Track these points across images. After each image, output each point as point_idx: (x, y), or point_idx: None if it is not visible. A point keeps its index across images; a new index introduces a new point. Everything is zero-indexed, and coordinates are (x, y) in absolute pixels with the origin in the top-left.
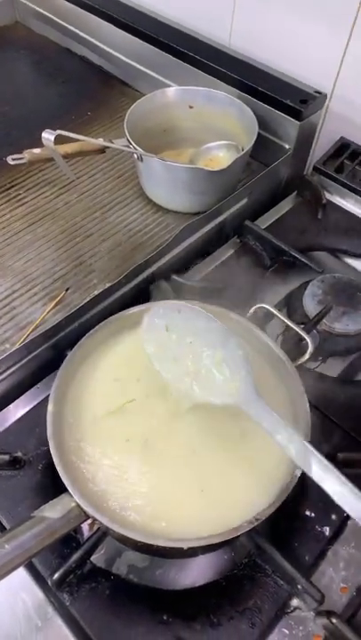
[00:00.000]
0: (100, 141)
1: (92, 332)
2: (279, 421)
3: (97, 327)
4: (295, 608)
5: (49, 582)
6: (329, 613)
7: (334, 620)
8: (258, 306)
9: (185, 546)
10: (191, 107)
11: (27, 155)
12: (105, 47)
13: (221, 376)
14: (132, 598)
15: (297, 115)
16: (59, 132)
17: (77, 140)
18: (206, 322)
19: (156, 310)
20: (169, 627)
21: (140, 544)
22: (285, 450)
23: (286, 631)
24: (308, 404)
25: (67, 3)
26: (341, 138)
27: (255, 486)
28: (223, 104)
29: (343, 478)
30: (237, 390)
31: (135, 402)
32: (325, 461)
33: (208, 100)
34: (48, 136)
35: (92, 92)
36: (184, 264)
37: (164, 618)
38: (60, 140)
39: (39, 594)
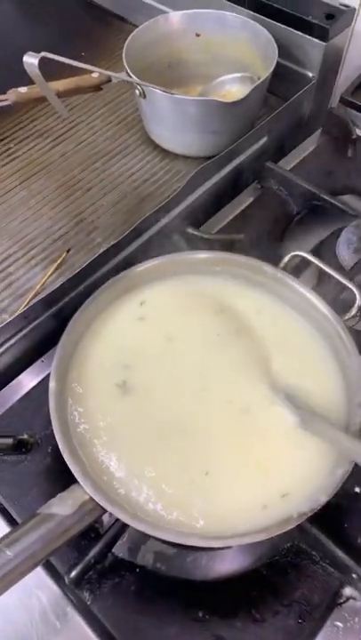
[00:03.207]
0: (95, 70)
1: (95, 294)
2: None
3: (100, 289)
4: (348, 598)
5: (66, 580)
6: None
7: None
8: (293, 254)
9: (223, 545)
10: (198, 34)
11: (12, 95)
12: None
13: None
14: (161, 592)
15: (322, 34)
16: (43, 54)
17: (67, 66)
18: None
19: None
20: (205, 625)
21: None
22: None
23: (340, 624)
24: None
25: None
26: None
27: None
28: (235, 28)
29: None
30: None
31: (149, 373)
32: None
33: (217, 24)
34: (31, 60)
35: (85, 30)
36: (199, 216)
37: (200, 615)
38: (49, 77)
39: (56, 591)
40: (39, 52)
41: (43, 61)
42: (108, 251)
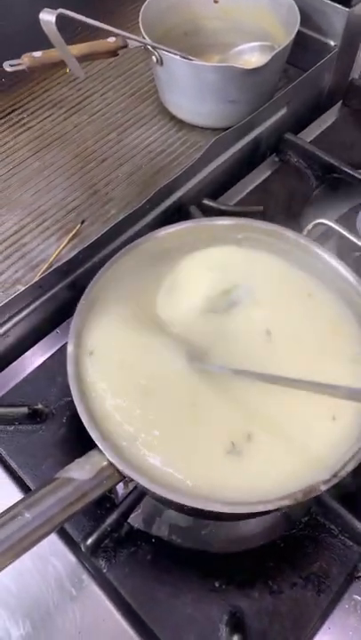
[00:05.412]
0: (113, 30)
1: (114, 258)
2: None
3: (120, 253)
4: None
5: (82, 548)
6: None
7: None
8: (316, 222)
9: (247, 511)
10: (216, 1)
11: (26, 59)
12: None
13: None
14: (177, 563)
15: (345, 0)
16: (61, 10)
17: (82, 34)
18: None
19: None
20: (222, 595)
21: (189, 507)
22: None
23: (359, 598)
24: None
25: None
26: None
27: (331, 434)
28: None
29: None
30: None
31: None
32: None
33: None
34: (48, 17)
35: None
36: (216, 187)
37: (216, 585)
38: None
39: (72, 559)
40: None
41: (59, 22)
42: (122, 222)
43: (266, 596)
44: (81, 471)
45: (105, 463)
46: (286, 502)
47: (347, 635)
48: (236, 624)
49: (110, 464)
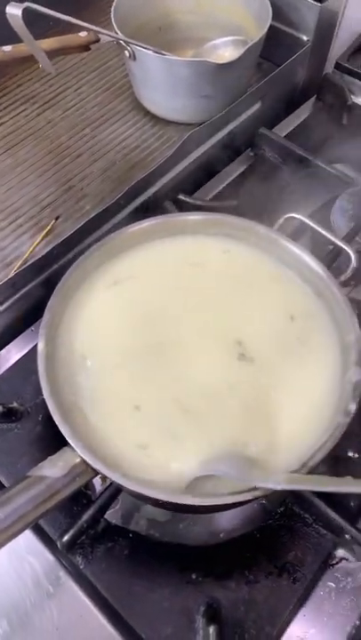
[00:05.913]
0: (83, 24)
1: (86, 254)
2: None
3: (92, 248)
4: (341, 559)
5: (58, 545)
6: None
7: None
8: (288, 215)
9: (220, 502)
10: None
11: None
12: None
13: None
14: (154, 557)
15: None
16: (27, 4)
17: (52, 28)
18: None
19: None
20: (199, 587)
21: (162, 501)
22: None
23: (333, 584)
24: (357, 325)
25: None
26: None
27: (302, 421)
28: None
29: None
30: None
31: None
32: None
33: None
34: (14, 11)
35: None
36: (191, 183)
37: (193, 577)
38: (35, 34)
39: (48, 556)
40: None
41: (27, 15)
42: (97, 217)
43: (242, 586)
44: (53, 468)
45: (77, 460)
46: (257, 493)
47: (321, 621)
48: (213, 615)
49: (82, 461)
